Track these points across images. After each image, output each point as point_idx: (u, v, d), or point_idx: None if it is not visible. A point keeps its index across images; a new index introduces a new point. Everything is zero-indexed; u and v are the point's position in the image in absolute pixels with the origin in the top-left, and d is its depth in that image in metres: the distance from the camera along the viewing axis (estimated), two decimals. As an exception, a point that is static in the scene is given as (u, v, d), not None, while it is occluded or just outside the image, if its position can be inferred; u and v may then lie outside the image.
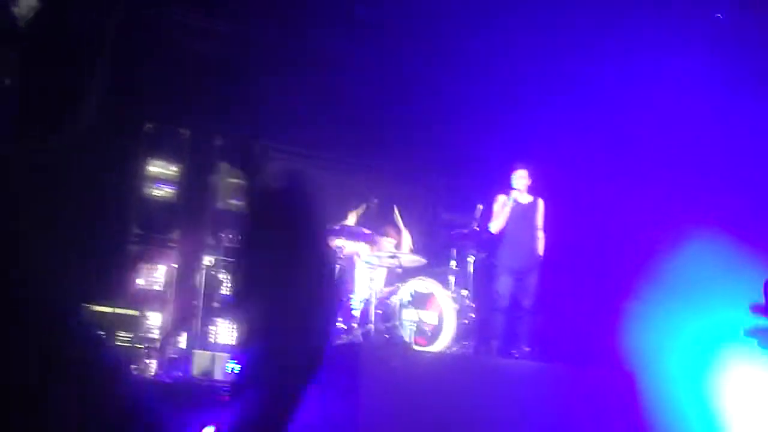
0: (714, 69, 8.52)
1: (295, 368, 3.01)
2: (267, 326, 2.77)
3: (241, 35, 10.24)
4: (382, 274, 8.68)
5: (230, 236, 10.47)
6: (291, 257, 3.10)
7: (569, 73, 9.66)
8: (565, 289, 9.41)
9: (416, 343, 7.58)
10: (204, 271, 10.21)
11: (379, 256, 8.27)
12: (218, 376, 8.52)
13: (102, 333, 8.34)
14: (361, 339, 7.60)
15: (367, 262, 8.32)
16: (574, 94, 9.76)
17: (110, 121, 9.62)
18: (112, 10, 8.79)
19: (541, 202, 8.54)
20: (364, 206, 8.79)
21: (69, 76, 9.19)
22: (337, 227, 8.12)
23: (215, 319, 9.95)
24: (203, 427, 6.86)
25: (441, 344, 7.78)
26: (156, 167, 10.43)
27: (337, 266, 8.13)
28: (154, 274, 10.04)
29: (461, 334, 8.02)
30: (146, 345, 8.98)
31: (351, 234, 8.28)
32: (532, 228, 8.39)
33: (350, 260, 8.58)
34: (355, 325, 7.89)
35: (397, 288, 7.90)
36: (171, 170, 10.51)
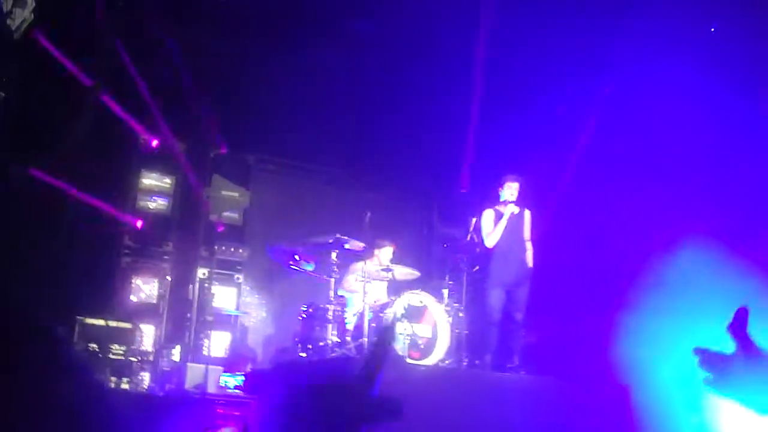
0: (706, 78, 8.57)
1: None
2: None
3: (233, 49, 10.28)
4: (382, 287, 8.70)
5: (223, 248, 10.47)
6: None
7: (561, 84, 9.72)
8: (557, 302, 9.41)
9: (410, 356, 7.57)
10: (197, 284, 10.21)
11: (372, 270, 8.27)
12: (211, 389, 8.50)
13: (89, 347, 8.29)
14: (354, 352, 7.59)
15: (361, 275, 8.32)
16: (565, 105, 9.80)
17: (105, 134, 9.66)
18: (107, 26, 8.84)
19: (528, 213, 8.48)
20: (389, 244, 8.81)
21: (64, 90, 9.21)
22: (331, 240, 8.11)
23: (208, 332, 9.94)
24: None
25: (435, 357, 7.78)
26: (150, 180, 10.44)
27: (332, 279, 8.13)
28: (148, 287, 10.03)
29: (455, 348, 8.01)
30: (139, 358, 8.96)
31: (344, 247, 8.27)
32: (521, 239, 8.35)
33: (343, 273, 8.57)
34: (349, 339, 7.89)
35: (391, 301, 7.90)
36: (165, 183, 10.51)
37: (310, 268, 8.61)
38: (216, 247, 10.44)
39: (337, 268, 8.21)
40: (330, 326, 7.96)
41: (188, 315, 10.03)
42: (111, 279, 9.97)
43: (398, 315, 7.69)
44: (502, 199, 8.31)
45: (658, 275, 8.66)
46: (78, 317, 8.79)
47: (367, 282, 8.16)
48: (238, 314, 10.26)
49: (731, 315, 1.87)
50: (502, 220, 8.23)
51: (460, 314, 8.32)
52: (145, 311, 9.83)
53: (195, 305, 10.02)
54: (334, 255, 8.17)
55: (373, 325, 7.75)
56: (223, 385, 8.46)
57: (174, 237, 10.42)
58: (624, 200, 9.21)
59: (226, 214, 10.78)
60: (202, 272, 10.33)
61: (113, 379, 8.58)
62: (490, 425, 6.53)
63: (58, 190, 9.22)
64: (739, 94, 8.41)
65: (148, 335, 9.51)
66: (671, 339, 8.29)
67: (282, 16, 9.61)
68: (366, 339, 7.58)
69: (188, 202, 10.64)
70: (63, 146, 8.97)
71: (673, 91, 8.88)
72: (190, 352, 9.65)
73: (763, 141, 8.33)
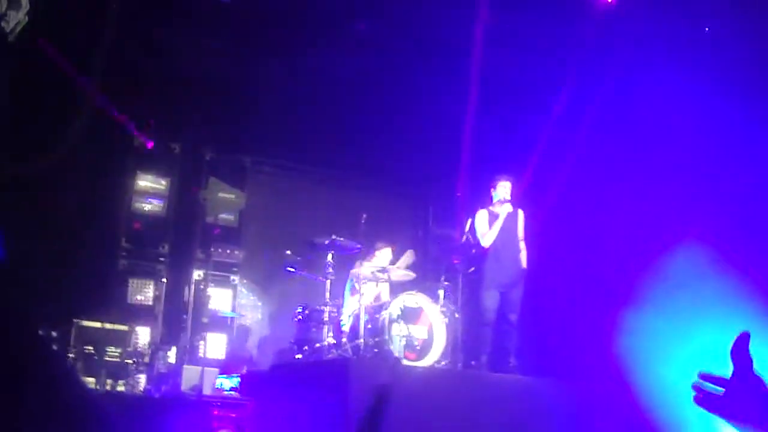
0: (700, 81, 8.59)
1: None
2: None
3: (230, 50, 10.29)
4: (384, 287, 8.72)
5: (219, 250, 10.48)
6: None
7: (556, 87, 9.74)
8: (553, 302, 9.43)
9: (406, 358, 7.58)
10: (193, 286, 10.21)
11: (369, 270, 8.28)
12: (207, 390, 8.49)
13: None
14: (350, 353, 7.60)
15: (356, 277, 8.33)
16: (560, 109, 9.82)
17: (100, 136, 9.66)
18: (104, 28, 8.84)
19: (521, 213, 8.48)
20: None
21: (60, 93, 9.22)
22: (327, 242, 8.12)
23: (204, 333, 9.95)
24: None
25: (430, 358, 7.79)
26: (146, 181, 10.43)
27: (329, 280, 8.14)
28: (144, 289, 10.02)
29: (450, 349, 8.02)
30: (135, 359, 8.95)
31: (341, 248, 8.28)
32: (515, 240, 8.35)
33: (339, 275, 8.58)
34: (345, 340, 7.89)
35: (386, 303, 7.91)
36: (161, 184, 10.51)
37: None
38: (212, 249, 10.45)
39: (332, 269, 8.22)
40: (326, 328, 7.97)
41: (184, 317, 10.04)
42: (107, 281, 9.96)
43: (394, 316, 7.69)
44: (496, 199, 8.30)
45: (655, 275, 8.69)
46: (74, 319, 8.79)
47: (363, 284, 8.18)
48: (234, 316, 10.27)
49: (733, 339, 1.88)
50: (498, 219, 8.22)
51: (456, 315, 8.33)
52: (141, 313, 9.83)
53: (191, 307, 10.02)
54: (330, 256, 8.18)
55: (369, 326, 7.77)
56: (219, 387, 8.46)
57: (170, 239, 10.42)
58: (621, 201, 9.23)
59: (221, 215, 10.79)
60: (197, 274, 10.34)
61: (109, 381, 8.58)
62: (487, 426, 6.54)
63: (54, 192, 9.23)
64: (734, 98, 8.43)
65: (143, 337, 9.50)
66: (671, 338, 8.32)
67: (279, 18, 9.61)
68: (362, 341, 7.59)
69: (184, 204, 10.65)
70: (58, 148, 8.97)
71: (667, 93, 8.90)
72: (186, 353, 9.65)
73: (757, 143, 8.37)
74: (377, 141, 11.03)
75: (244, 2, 9.48)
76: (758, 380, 1.79)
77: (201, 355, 9.74)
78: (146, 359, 9.23)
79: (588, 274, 9.40)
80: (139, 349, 9.18)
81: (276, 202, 11.37)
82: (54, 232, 9.32)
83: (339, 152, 11.14)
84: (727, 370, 1.84)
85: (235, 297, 10.55)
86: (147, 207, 10.38)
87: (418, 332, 7.85)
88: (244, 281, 10.88)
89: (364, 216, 8.42)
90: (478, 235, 8.27)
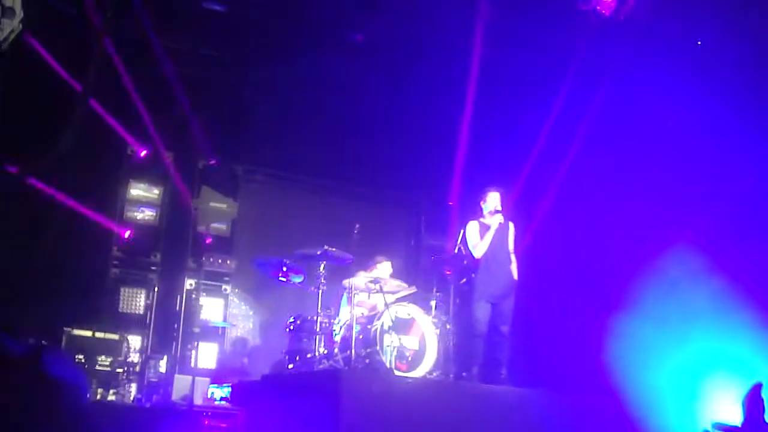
0: (694, 87, 8.65)
1: None
2: None
3: (223, 59, 10.31)
4: (381, 299, 8.70)
5: (211, 260, 10.46)
6: None
7: (550, 96, 9.79)
8: (543, 314, 9.44)
9: (397, 368, 7.56)
10: (185, 295, 10.18)
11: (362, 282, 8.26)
12: (198, 400, 8.46)
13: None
14: (342, 364, 7.58)
15: (351, 287, 8.31)
16: (554, 118, 9.87)
17: (93, 144, 9.65)
18: (97, 35, 8.83)
19: (512, 225, 8.48)
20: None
21: (52, 100, 9.20)
22: (319, 252, 8.10)
23: (196, 343, 9.92)
24: None
25: (422, 370, 7.77)
26: (138, 190, 10.42)
27: (320, 291, 8.12)
28: (135, 298, 9.99)
29: (442, 360, 8.01)
30: (126, 369, 8.92)
31: (333, 259, 8.26)
32: (506, 251, 8.35)
33: (331, 285, 8.55)
34: (336, 350, 7.87)
35: (378, 313, 7.90)
36: (153, 193, 10.49)
37: (298, 280, 8.60)
38: (204, 258, 10.42)
39: (324, 280, 8.19)
40: (318, 338, 7.95)
41: (175, 326, 10.01)
42: (98, 289, 9.93)
43: (385, 327, 7.68)
44: (486, 211, 8.30)
45: (647, 283, 8.71)
46: (65, 328, 8.75)
47: (355, 294, 8.17)
48: (225, 325, 10.24)
49: (747, 388, 1.89)
50: (490, 230, 8.22)
51: (448, 326, 8.32)
52: (133, 322, 9.79)
53: (182, 316, 9.99)
54: (322, 266, 8.16)
55: (361, 337, 7.75)
56: (210, 396, 8.42)
57: (162, 248, 10.40)
58: (613, 209, 9.26)
59: (214, 225, 10.77)
60: (189, 283, 10.31)
61: (99, 390, 8.54)
62: (477, 437, 6.53)
63: (46, 200, 9.20)
64: (727, 104, 8.49)
65: (135, 346, 9.47)
66: (663, 346, 8.33)
67: (273, 27, 9.64)
68: (353, 351, 7.57)
69: (176, 213, 10.62)
70: (51, 155, 8.95)
71: (658, 102, 8.95)
72: (178, 363, 9.62)
73: (750, 149, 8.42)
74: (370, 151, 11.05)
75: (238, 11, 9.51)
76: None
77: (192, 364, 9.70)
78: (137, 368, 9.20)
79: (579, 285, 9.42)
80: (129, 359, 9.15)
81: (268, 212, 11.36)
82: (45, 240, 9.29)
83: (331, 162, 11.15)
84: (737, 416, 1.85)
85: (226, 306, 10.52)
86: (139, 216, 10.36)
87: (410, 343, 7.83)
88: (236, 291, 10.85)
89: (357, 226, 8.41)
90: (470, 246, 8.27)
